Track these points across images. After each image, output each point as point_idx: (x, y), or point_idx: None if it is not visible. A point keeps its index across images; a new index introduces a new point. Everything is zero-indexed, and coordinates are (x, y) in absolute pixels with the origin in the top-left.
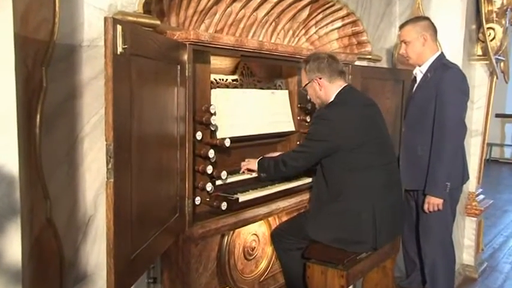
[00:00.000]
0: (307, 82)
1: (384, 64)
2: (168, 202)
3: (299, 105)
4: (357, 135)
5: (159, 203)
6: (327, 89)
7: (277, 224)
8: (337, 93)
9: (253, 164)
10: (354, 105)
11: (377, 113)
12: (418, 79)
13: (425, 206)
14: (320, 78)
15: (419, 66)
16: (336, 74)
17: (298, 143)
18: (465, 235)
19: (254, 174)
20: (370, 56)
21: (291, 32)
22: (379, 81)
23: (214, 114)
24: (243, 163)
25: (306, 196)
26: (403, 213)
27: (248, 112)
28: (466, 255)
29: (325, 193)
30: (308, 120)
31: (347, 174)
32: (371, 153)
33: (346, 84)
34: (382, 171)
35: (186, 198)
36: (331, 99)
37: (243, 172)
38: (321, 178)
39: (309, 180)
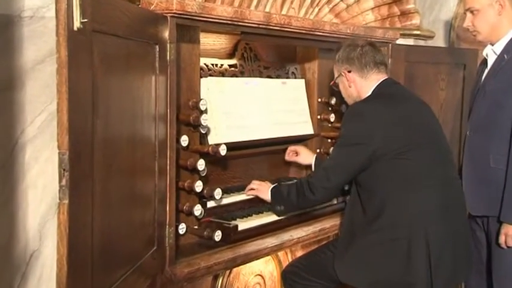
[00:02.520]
0: (336, 75)
1: (438, 42)
2: (143, 231)
3: (320, 100)
4: (402, 135)
5: (130, 232)
6: (358, 86)
7: (290, 260)
8: (375, 89)
9: (263, 190)
10: (398, 99)
11: (429, 113)
12: (490, 62)
13: (501, 239)
14: (349, 72)
15: (492, 44)
16: (371, 65)
17: (318, 150)
18: None
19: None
20: (418, 32)
21: (308, 1)
22: (431, 65)
23: (205, 112)
24: (252, 184)
25: (329, 223)
26: (468, 249)
27: (251, 109)
28: None
29: (360, 218)
30: (332, 119)
31: (390, 191)
32: (422, 162)
33: (386, 77)
34: (438, 188)
35: (167, 226)
36: (367, 95)
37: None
38: (356, 199)
39: (334, 201)
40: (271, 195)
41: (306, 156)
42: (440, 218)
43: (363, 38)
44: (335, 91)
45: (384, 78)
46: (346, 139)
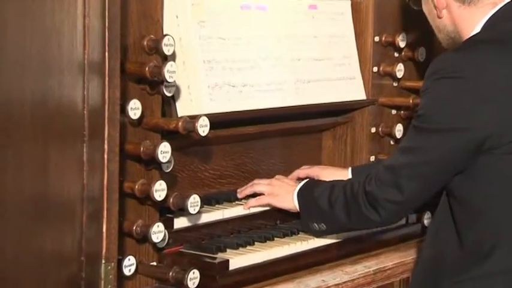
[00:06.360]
0: None
1: None
2: (59, 268)
3: (378, 38)
4: None
5: (36, 268)
6: (456, 15)
7: None
8: (487, 22)
9: (282, 195)
10: None
11: None
12: None
13: None
14: None
15: None
16: None
17: (374, 130)
18: None
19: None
20: None
21: None
22: None
23: (172, 58)
24: (256, 184)
25: (392, 259)
26: None
27: (253, 55)
28: None
29: (454, 253)
30: (400, 73)
31: (509, 210)
32: None
33: (506, 2)
34: None
35: (103, 260)
36: (472, 32)
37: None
38: (446, 219)
39: (401, 221)
40: (299, 204)
41: (329, 177)
42: None
43: None
44: (407, 22)
45: (504, 2)
46: (430, 119)
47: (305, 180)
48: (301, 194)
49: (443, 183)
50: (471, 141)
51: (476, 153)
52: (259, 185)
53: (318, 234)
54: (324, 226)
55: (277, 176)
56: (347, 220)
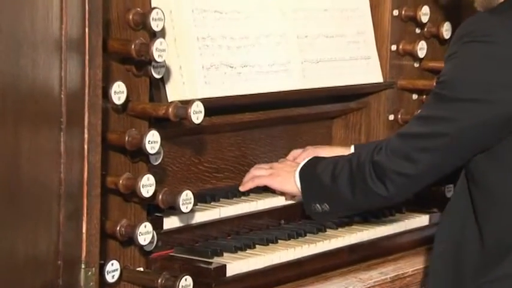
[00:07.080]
0: None
1: None
2: (33, 273)
3: (397, 12)
4: None
5: (6, 277)
6: None
7: None
8: None
9: (283, 175)
10: None
11: None
12: None
13: None
14: None
15: None
16: None
17: (392, 117)
18: None
19: (279, 201)
20: None
21: None
22: None
23: (162, 34)
24: (256, 169)
25: (413, 264)
26: None
27: (255, 32)
28: None
29: (475, 252)
30: (421, 53)
31: None
32: None
33: None
34: None
35: (83, 265)
36: None
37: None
38: (466, 211)
39: (424, 221)
40: (301, 184)
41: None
42: None
43: None
44: None
45: None
46: (452, 86)
47: (308, 158)
48: (303, 173)
49: (460, 161)
50: (498, 116)
51: (503, 132)
52: (259, 169)
53: (321, 216)
54: (327, 206)
55: (280, 160)
56: (351, 196)
